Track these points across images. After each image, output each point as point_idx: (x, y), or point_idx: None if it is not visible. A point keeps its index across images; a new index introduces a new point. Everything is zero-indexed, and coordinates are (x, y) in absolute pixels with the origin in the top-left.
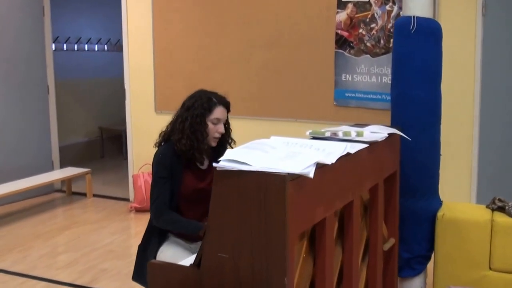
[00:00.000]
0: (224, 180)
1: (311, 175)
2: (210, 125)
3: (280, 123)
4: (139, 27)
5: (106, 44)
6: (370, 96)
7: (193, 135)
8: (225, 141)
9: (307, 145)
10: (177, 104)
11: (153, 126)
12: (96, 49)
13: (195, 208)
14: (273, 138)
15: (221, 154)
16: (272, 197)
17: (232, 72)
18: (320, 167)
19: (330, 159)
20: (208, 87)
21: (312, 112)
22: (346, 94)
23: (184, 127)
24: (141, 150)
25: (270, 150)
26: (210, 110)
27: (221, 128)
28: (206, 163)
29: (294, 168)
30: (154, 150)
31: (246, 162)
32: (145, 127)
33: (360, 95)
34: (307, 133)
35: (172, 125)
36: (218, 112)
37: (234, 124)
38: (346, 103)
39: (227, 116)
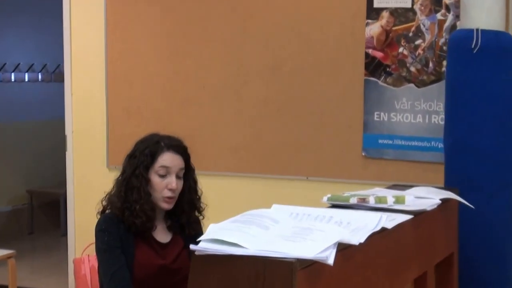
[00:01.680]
0: (205, 269)
1: (331, 261)
2: (155, 179)
3: (284, 183)
4: (87, 48)
5: (40, 72)
6: (414, 143)
7: (128, 194)
8: (191, 204)
9: (324, 217)
10: None
11: (104, 188)
12: (26, 78)
13: None
14: (275, 207)
15: (189, 223)
16: None
17: (217, 110)
18: (343, 249)
19: (358, 238)
20: (182, 131)
21: (330, 167)
22: (380, 141)
23: (120, 184)
24: (87, 223)
25: (272, 226)
26: (153, 157)
27: (172, 182)
28: (166, 235)
29: (306, 251)
30: None
31: (238, 243)
32: (93, 190)
33: (399, 142)
34: (324, 199)
35: (114, 183)
36: (165, 159)
37: (219, 184)
38: (380, 154)
39: (190, 168)
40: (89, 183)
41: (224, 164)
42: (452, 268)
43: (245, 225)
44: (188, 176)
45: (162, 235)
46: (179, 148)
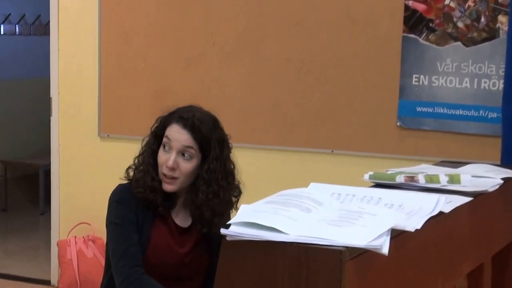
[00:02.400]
0: (237, 257)
1: (385, 250)
2: (160, 152)
3: (305, 156)
4: None
5: (17, 24)
6: (459, 112)
7: (143, 166)
8: (201, 198)
9: (371, 199)
10: (136, 123)
11: (95, 160)
12: (1, 31)
13: None
14: (313, 185)
15: (202, 220)
16: (320, 286)
17: (227, 71)
18: (395, 236)
19: (414, 223)
20: (186, 95)
21: (359, 139)
22: (419, 109)
23: (139, 155)
24: (74, 200)
25: (314, 208)
26: (164, 126)
27: (169, 159)
28: (187, 219)
29: (357, 239)
30: (96, 199)
31: (276, 227)
32: (81, 162)
33: (442, 111)
34: (365, 177)
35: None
36: (171, 130)
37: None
38: (418, 124)
39: (208, 154)
40: (77, 154)
41: (236, 134)
42: (511, 260)
43: (283, 207)
44: (205, 163)
45: (182, 219)
46: (188, 122)
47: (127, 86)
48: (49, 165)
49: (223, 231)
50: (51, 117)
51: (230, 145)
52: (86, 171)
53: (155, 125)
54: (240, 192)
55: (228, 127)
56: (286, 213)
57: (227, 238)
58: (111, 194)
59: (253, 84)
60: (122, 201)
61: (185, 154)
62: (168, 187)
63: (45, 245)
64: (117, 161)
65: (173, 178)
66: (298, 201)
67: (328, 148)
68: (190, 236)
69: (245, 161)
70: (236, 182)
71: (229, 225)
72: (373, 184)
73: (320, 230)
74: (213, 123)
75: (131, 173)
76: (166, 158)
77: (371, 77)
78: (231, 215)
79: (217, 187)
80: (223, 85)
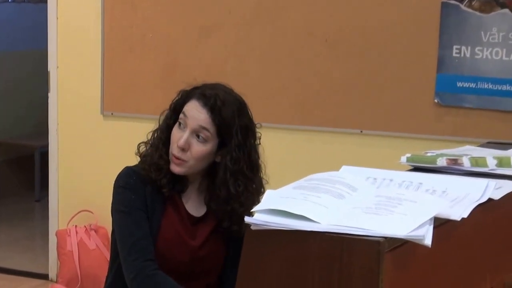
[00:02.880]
0: (263, 247)
1: (428, 241)
2: (175, 128)
3: (331, 137)
4: None
5: None
6: (505, 87)
7: (155, 140)
8: (222, 189)
9: (411, 184)
10: (142, 100)
11: (98, 140)
12: None
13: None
14: (345, 169)
15: (223, 213)
16: (355, 279)
17: (245, 42)
18: (438, 225)
19: (460, 212)
20: (200, 68)
21: (391, 117)
22: (459, 84)
23: (155, 130)
24: (75, 185)
25: (348, 194)
26: (184, 102)
27: (182, 137)
28: (200, 207)
29: (397, 228)
30: (99, 184)
31: (306, 215)
32: (83, 143)
33: (486, 86)
34: (403, 159)
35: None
36: (189, 106)
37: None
38: (458, 101)
39: (230, 141)
40: (77, 134)
41: (254, 113)
42: None
43: (313, 192)
44: (226, 150)
45: (195, 207)
46: (209, 101)
47: (133, 59)
48: (46, 146)
49: (247, 219)
50: (48, 93)
51: (258, 135)
52: (88, 153)
53: (176, 98)
54: (263, 189)
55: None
56: (317, 199)
57: (252, 227)
58: (116, 178)
59: (273, 57)
60: (128, 186)
61: (200, 136)
62: (175, 168)
63: (42, 236)
64: (122, 142)
65: (180, 159)
66: (330, 186)
67: (357, 128)
68: (204, 227)
69: (265, 142)
70: (261, 176)
71: (252, 213)
72: (411, 167)
73: (355, 218)
74: (239, 107)
75: (143, 149)
76: (178, 137)
77: (406, 49)
78: None
79: (245, 179)
80: (240, 58)
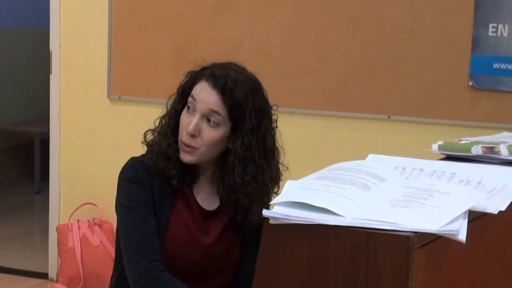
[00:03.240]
0: (282, 243)
1: (462, 236)
2: (183, 113)
3: (357, 123)
4: None
5: None
6: None
7: (162, 127)
8: (233, 178)
9: (443, 174)
10: (153, 83)
11: (104, 127)
12: None
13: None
14: (372, 157)
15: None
16: (383, 278)
17: (264, 19)
18: (473, 219)
19: (497, 204)
20: (216, 49)
21: (421, 102)
22: (496, 66)
23: (163, 116)
24: (78, 175)
25: (375, 185)
26: (192, 84)
27: (191, 124)
28: (213, 200)
29: (428, 223)
30: (104, 175)
31: (329, 208)
32: (87, 129)
33: None
34: (434, 147)
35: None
36: (197, 88)
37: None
38: (495, 84)
39: (242, 124)
40: (82, 120)
41: (274, 97)
42: None
43: (337, 183)
44: (239, 134)
45: (207, 200)
46: (219, 81)
47: (143, 38)
48: (47, 133)
49: (265, 212)
50: (50, 76)
51: (275, 117)
52: (93, 141)
53: (184, 80)
54: (279, 176)
55: (264, 86)
56: (341, 191)
57: (270, 222)
58: (121, 170)
59: (294, 36)
60: (134, 179)
61: (211, 120)
62: (185, 156)
63: (41, 231)
64: (130, 128)
65: (190, 147)
66: (355, 177)
67: (384, 113)
68: (217, 222)
69: (286, 128)
70: (277, 163)
71: (270, 205)
72: (443, 156)
73: (382, 211)
74: (252, 88)
75: (150, 137)
76: (188, 122)
77: (437, 28)
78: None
79: (255, 168)
80: (259, 37)
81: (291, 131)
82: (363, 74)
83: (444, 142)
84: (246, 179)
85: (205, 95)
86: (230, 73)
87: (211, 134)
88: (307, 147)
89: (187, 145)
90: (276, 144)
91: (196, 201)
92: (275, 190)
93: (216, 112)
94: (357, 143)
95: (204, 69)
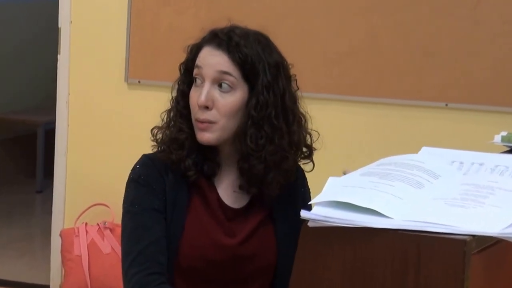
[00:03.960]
0: (323, 247)
1: None
2: (191, 92)
3: (411, 111)
4: None
5: None
6: None
7: (172, 117)
8: (248, 147)
9: (507, 169)
10: (177, 66)
11: (121, 115)
12: None
13: None
14: (426, 150)
15: (264, 181)
16: (436, 286)
17: None
18: None
19: None
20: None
21: (482, 88)
22: None
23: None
24: (87, 172)
25: (428, 182)
26: (194, 58)
27: (201, 95)
28: (240, 195)
29: (487, 225)
30: (118, 172)
31: (376, 209)
32: (101, 117)
33: None
34: (496, 139)
35: None
36: (201, 55)
37: (308, 111)
38: None
39: (255, 81)
40: (94, 107)
41: (317, 80)
42: None
43: (385, 180)
44: (253, 94)
45: (232, 196)
46: (223, 39)
47: (168, 13)
48: (52, 122)
49: (303, 213)
50: (58, 56)
51: (293, 77)
52: (107, 131)
53: (186, 56)
54: (302, 142)
55: (305, 71)
56: (389, 189)
57: (309, 224)
58: (132, 169)
59: (341, 12)
60: (142, 180)
61: (223, 85)
62: (203, 136)
63: (43, 236)
64: (150, 117)
65: (209, 122)
66: (406, 173)
67: (441, 100)
68: (245, 221)
69: (328, 117)
70: (301, 128)
71: (310, 205)
72: (507, 149)
73: (436, 212)
74: (261, 41)
75: (159, 136)
76: (198, 95)
77: (503, 3)
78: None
79: (271, 130)
80: (300, 15)
81: (335, 119)
82: (418, 55)
83: (508, 133)
84: (261, 142)
85: (211, 58)
86: (233, 29)
87: (227, 101)
88: (353, 138)
89: (202, 121)
90: (300, 109)
91: (218, 197)
92: (300, 156)
93: (226, 73)
94: (409, 134)
95: (203, 37)
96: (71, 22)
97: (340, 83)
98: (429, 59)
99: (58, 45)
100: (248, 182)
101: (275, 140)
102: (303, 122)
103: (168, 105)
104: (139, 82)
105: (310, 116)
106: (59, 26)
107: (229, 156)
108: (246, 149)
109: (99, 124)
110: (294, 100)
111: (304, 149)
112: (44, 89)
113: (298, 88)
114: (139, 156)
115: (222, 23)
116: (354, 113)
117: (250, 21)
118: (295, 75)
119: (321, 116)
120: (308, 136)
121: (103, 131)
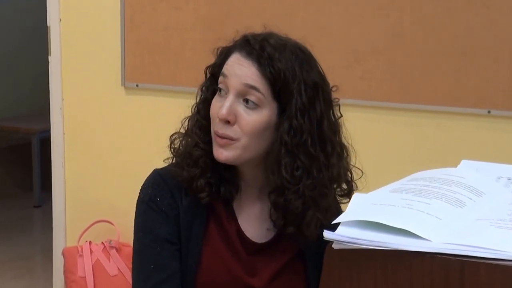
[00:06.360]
0: (348, 273)
1: None
2: (213, 101)
3: (450, 119)
4: None
5: None
6: None
7: (191, 127)
8: (277, 177)
9: None
10: (177, 68)
11: (119, 122)
12: None
13: None
14: (466, 163)
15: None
16: None
17: None
18: None
19: None
20: (263, 27)
21: None
22: None
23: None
24: (88, 184)
25: (469, 200)
26: (222, 63)
27: (223, 107)
28: (265, 228)
29: None
30: (122, 184)
31: (409, 229)
32: (98, 124)
33: None
34: None
35: None
36: (229, 64)
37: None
38: None
39: (269, 92)
40: (91, 113)
41: (336, 83)
42: None
43: (420, 198)
44: (285, 117)
45: (257, 228)
46: (255, 48)
47: (167, 9)
48: (47, 130)
49: (327, 234)
50: (49, 57)
51: (335, 101)
52: (106, 140)
53: (211, 69)
54: (343, 178)
55: (331, 71)
56: (425, 207)
57: (334, 246)
58: (142, 186)
59: (361, 5)
60: (152, 203)
61: (249, 101)
62: (221, 153)
63: (43, 255)
64: (150, 124)
65: (230, 139)
66: (444, 189)
67: (483, 107)
68: (272, 257)
69: (352, 125)
70: (341, 161)
71: (336, 225)
72: None
73: (480, 234)
74: (300, 56)
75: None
76: (219, 106)
77: None
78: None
79: (307, 160)
80: (316, 7)
81: (357, 128)
82: (456, 56)
83: None
84: (297, 174)
85: (238, 68)
86: (269, 39)
87: (251, 118)
88: (380, 150)
89: (221, 136)
90: (342, 139)
91: (238, 227)
92: (339, 194)
93: (253, 87)
94: (446, 145)
95: (236, 41)
96: (60, 20)
97: (361, 87)
98: (467, 59)
99: (48, 46)
100: (284, 219)
101: (313, 173)
102: (344, 156)
103: (170, 111)
104: (136, 85)
105: (354, 150)
106: (48, 25)
107: (252, 182)
108: (281, 181)
109: (96, 132)
110: (335, 129)
111: (344, 186)
112: (38, 94)
113: (342, 116)
114: (142, 167)
115: (257, 29)
116: (378, 121)
117: (258, 16)
118: (338, 100)
119: (358, 122)
120: (348, 172)
121: (102, 139)
